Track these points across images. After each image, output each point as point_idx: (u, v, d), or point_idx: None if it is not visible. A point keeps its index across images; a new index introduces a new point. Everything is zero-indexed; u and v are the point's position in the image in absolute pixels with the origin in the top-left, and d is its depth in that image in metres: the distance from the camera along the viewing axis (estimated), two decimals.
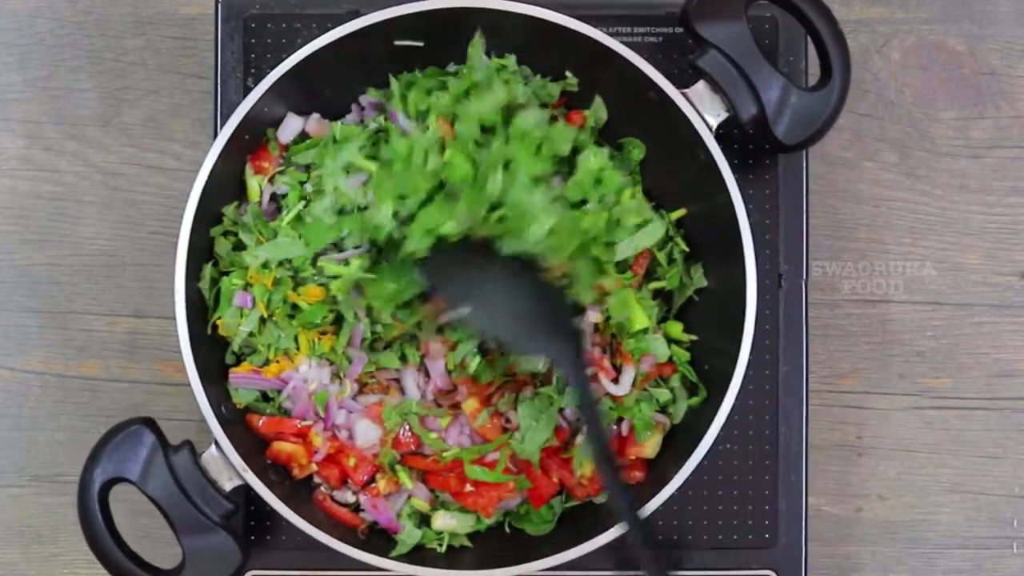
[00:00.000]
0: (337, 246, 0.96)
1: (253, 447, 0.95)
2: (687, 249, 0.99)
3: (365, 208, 0.95)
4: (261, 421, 0.96)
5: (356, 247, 0.95)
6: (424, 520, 0.98)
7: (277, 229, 0.96)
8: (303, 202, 0.97)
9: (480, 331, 0.95)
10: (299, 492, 0.97)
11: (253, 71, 1.02)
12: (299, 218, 0.96)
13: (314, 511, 0.97)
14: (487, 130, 0.94)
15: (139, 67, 1.10)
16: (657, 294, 1.00)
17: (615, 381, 0.97)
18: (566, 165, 0.97)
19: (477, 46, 0.96)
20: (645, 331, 0.97)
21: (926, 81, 1.10)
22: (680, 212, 0.99)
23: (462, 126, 0.93)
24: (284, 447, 0.96)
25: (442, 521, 0.97)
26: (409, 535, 0.96)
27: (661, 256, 0.99)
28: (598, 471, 0.93)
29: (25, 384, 1.09)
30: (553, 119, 0.97)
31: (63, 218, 1.09)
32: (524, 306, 0.94)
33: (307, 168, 0.98)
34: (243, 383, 0.96)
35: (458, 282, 0.93)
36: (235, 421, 0.96)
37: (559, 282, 0.94)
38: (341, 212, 0.95)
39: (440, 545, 0.97)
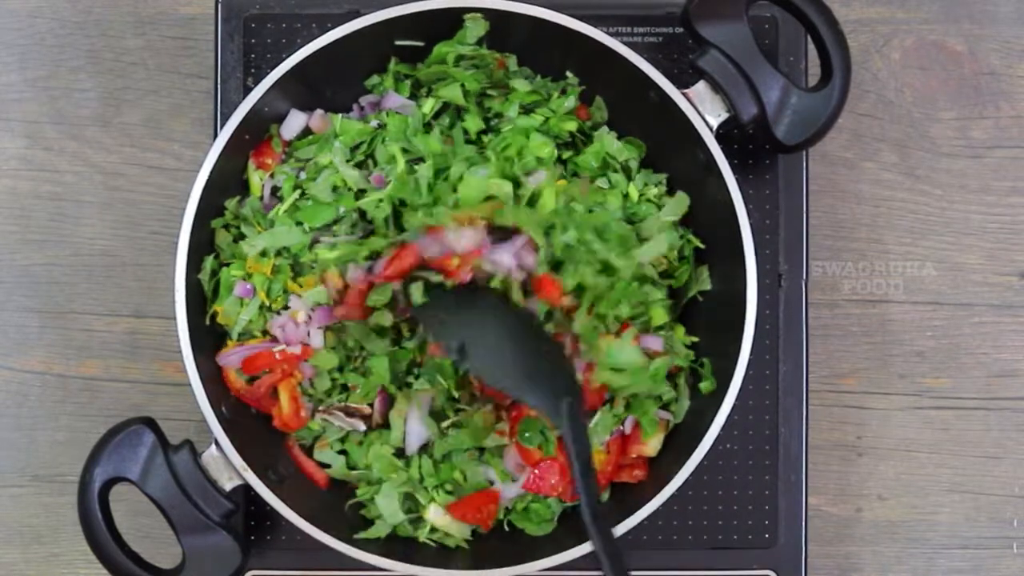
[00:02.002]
0: (331, 232, 0.97)
1: (253, 447, 0.95)
2: (701, 245, 0.99)
3: (362, 191, 0.96)
4: (239, 359, 0.97)
5: (350, 232, 0.96)
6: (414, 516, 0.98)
7: (274, 219, 0.97)
8: (298, 191, 0.97)
9: (476, 374, 0.94)
10: (299, 491, 0.97)
11: (253, 71, 1.02)
12: (296, 207, 0.97)
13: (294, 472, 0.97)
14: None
15: (139, 67, 1.10)
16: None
17: None
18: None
19: (476, 21, 0.95)
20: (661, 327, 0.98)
21: (926, 81, 1.10)
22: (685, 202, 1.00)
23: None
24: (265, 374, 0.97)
25: (434, 514, 0.97)
26: (392, 515, 0.96)
27: (672, 254, 0.99)
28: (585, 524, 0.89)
29: (25, 384, 1.09)
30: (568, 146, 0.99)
31: (63, 218, 1.09)
32: (522, 354, 0.93)
33: (308, 162, 0.99)
34: (232, 359, 0.97)
35: (454, 326, 0.93)
36: (235, 420, 0.96)
37: (561, 333, 0.94)
38: (335, 190, 0.96)
39: (422, 535, 0.97)
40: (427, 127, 0.98)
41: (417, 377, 0.97)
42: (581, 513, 0.88)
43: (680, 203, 0.99)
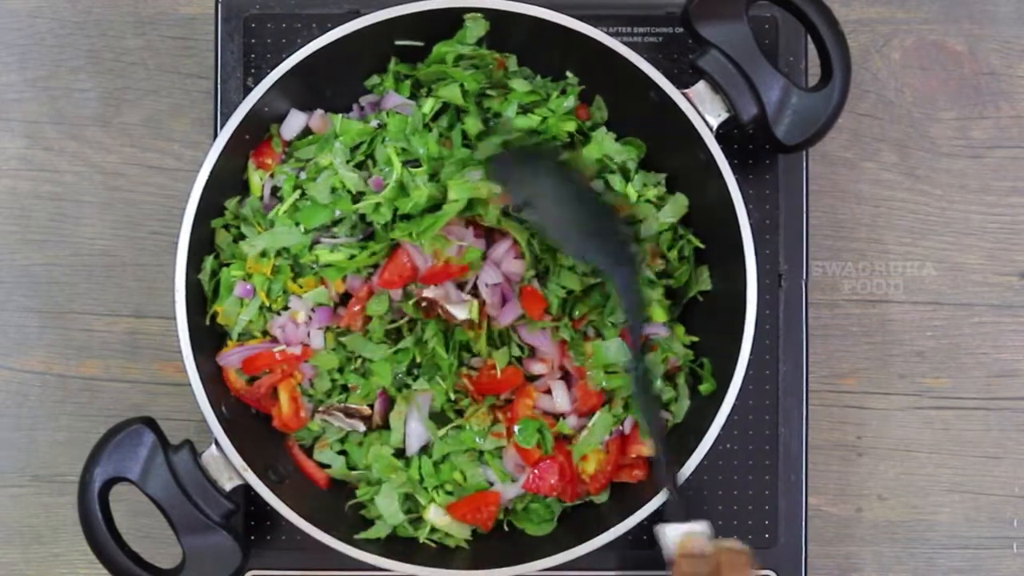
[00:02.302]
0: (331, 233, 0.97)
1: (253, 447, 0.95)
2: (701, 245, 0.99)
3: (361, 194, 0.96)
4: (239, 359, 0.97)
5: (350, 234, 0.96)
6: (414, 516, 0.98)
7: (274, 219, 0.97)
8: (298, 191, 0.97)
9: (541, 226, 0.95)
10: (299, 491, 0.97)
11: (253, 71, 1.02)
12: (296, 208, 0.97)
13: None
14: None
15: (139, 67, 1.10)
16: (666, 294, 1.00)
17: None
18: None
19: (476, 21, 0.95)
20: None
21: (926, 81, 1.10)
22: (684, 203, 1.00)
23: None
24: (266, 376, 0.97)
25: (434, 514, 0.97)
26: (391, 516, 0.96)
27: (672, 254, 0.99)
28: (637, 396, 0.95)
29: (25, 384, 1.09)
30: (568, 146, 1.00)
31: (63, 218, 1.09)
32: (583, 215, 0.95)
33: (308, 162, 0.99)
34: (232, 359, 0.97)
35: (522, 183, 0.95)
36: (235, 420, 0.96)
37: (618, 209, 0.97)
38: (334, 191, 0.96)
39: (422, 535, 0.97)
40: (427, 128, 0.98)
41: (416, 378, 0.97)
42: (633, 378, 0.93)
43: (678, 204, 0.99)
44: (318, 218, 0.96)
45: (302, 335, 0.97)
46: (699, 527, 0.90)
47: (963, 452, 1.09)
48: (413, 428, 0.98)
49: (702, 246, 0.99)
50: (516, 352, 0.97)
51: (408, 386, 0.97)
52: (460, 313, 0.96)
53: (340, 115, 0.99)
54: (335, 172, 0.97)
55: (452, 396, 0.97)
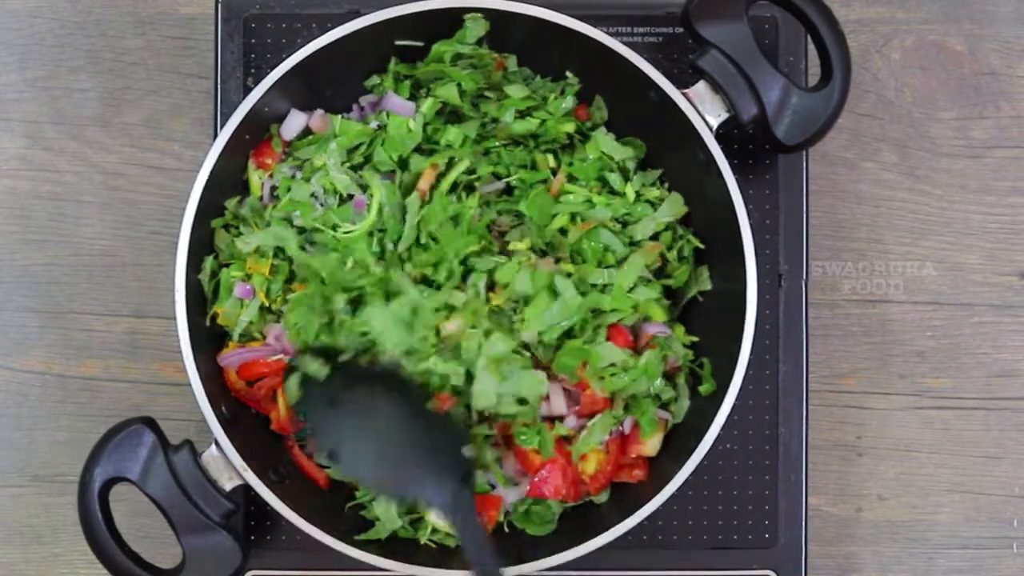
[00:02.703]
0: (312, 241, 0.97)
1: (253, 447, 0.95)
2: (701, 245, 0.99)
3: (350, 197, 0.96)
4: (240, 360, 0.97)
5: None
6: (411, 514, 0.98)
7: (270, 219, 0.97)
8: (291, 194, 0.97)
9: (350, 479, 0.94)
10: (299, 491, 0.97)
11: (253, 71, 1.02)
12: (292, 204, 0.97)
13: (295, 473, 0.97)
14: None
15: (139, 67, 1.10)
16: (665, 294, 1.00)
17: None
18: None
19: (476, 21, 0.95)
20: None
21: (926, 81, 1.10)
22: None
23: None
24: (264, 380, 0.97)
25: (435, 515, 0.97)
26: (389, 520, 0.96)
27: (671, 255, 0.99)
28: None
29: (25, 384, 1.09)
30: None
31: (63, 218, 1.09)
32: (402, 438, 0.91)
33: (305, 162, 0.99)
34: (233, 361, 0.97)
35: (331, 423, 0.91)
36: (235, 420, 0.96)
37: (445, 410, 0.93)
38: (325, 192, 0.96)
39: (423, 537, 0.97)
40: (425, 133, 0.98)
41: None
42: None
43: (675, 203, 0.99)
44: (291, 209, 0.96)
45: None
46: None
47: (963, 452, 1.09)
48: None
49: (701, 246, 0.99)
50: None
51: None
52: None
53: (340, 116, 0.99)
54: (326, 173, 0.96)
55: None
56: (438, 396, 0.93)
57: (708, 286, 0.98)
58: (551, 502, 0.98)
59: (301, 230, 0.97)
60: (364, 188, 0.97)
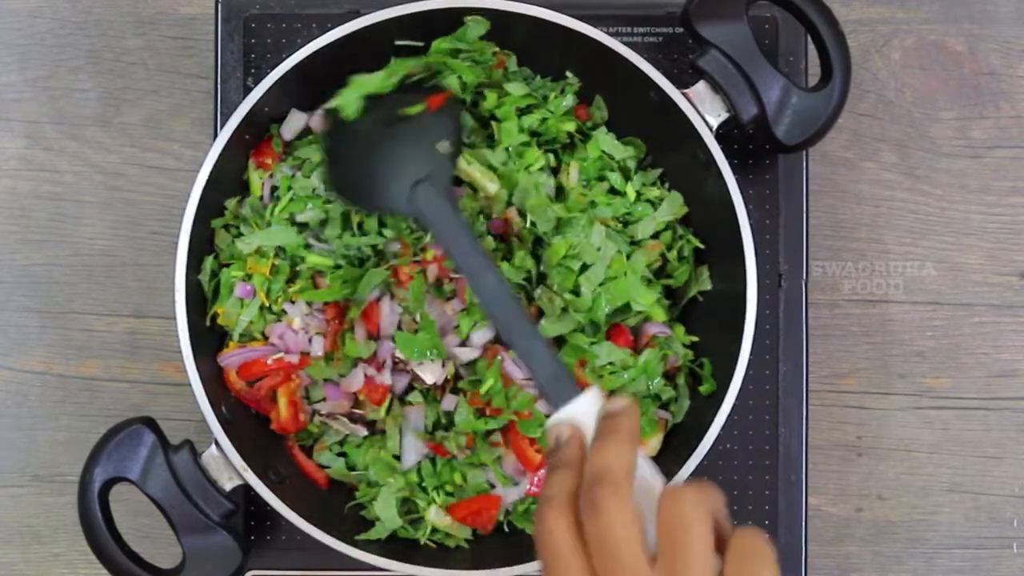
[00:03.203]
0: (321, 238, 0.97)
1: (253, 447, 0.95)
2: (701, 245, 0.99)
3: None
4: (240, 360, 0.97)
5: (339, 234, 0.96)
6: (412, 515, 0.98)
7: (270, 219, 0.97)
8: (292, 191, 0.97)
9: (331, 188, 0.91)
10: (299, 491, 0.97)
11: (253, 71, 1.02)
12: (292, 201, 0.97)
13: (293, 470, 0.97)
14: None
15: (139, 67, 1.10)
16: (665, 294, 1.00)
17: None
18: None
19: (477, 22, 0.95)
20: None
21: (926, 81, 1.10)
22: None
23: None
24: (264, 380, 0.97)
25: (435, 515, 0.97)
26: (389, 520, 0.96)
27: (671, 255, 0.99)
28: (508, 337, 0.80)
29: (25, 384, 1.09)
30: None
31: (63, 218, 1.09)
32: (373, 149, 0.86)
33: (305, 161, 0.99)
34: (233, 361, 0.97)
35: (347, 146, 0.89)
36: (235, 420, 0.96)
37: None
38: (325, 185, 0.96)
39: (422, 537, 0.97)
40: None
41: (410, 391, 0.97)
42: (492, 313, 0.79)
43: (675, 203, 0.99)
44: (296, 208, 0.96)
45: (302, 343, 0.96)
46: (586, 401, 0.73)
47: (963, 452, 1.09)
48: (409, 442, 0.97)
49: (702, 246, 0.99)
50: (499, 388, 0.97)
51: (402, 399, 0.97)
52: (429, 377, 0.96)
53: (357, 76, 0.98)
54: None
55: (443, 419, 0.97)
56: (430, 98, 0.90)
57: (708, 286, 0.98)
58: None
59: (302, 229, 0.97)
60: None
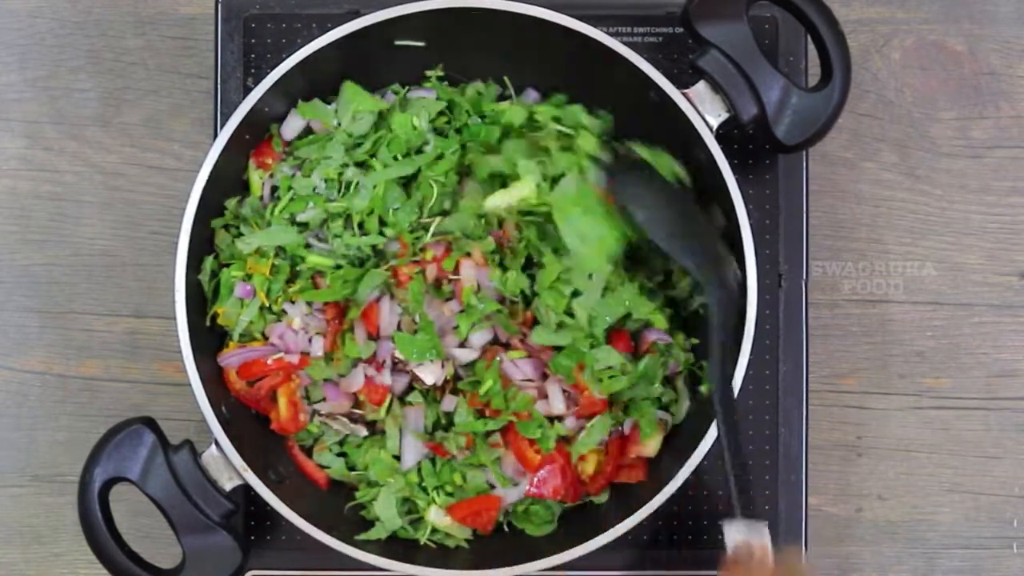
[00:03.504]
0: (321, 238, 0.97)
1: (253, 447, 0.95)
2: None
3: (349, 185, 0.96)
4: (240, 360, 0.97)
5: (340, 233, 0.96)
6: (412, 515, 0.98)
7: (271, 219, 0.97)
8: (292, 190, 0.97)
9: (643, 225, 0.94)
10: (299, 491, 0.97)
11: (253, 71, 1.02)
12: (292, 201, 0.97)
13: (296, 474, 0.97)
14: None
15: (139, 67, 1.10)
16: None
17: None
18: None
19: None
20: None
21: (926, 81, 1.10)
22: None
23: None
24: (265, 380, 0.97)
25: (435, 516, 0.97)
26: (389, 520, 0.96)
27: (675, 267, 0.99)
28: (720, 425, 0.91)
29: (25, 384, 1.09)
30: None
31: (63, 218, 1.09)
32: (680, 218, 0.94)
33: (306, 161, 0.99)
34: (233, 361, 0.97)
35: (626, 186, 0.94)
36: (235, 420, 0.96)
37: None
38: (327, 182, 0.96)
39: (422, 537, 0.97)
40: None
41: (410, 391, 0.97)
42: (711, 390, 0.91)
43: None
44: (297, 208, 0.96)
45: (302, 343, 0.96)
46: (758, 532, 0.89)
47: (963, 452, 1.09)
48: (409, 442, 0.97)
49: None
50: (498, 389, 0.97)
51: (402, 400, 0.98)
52: (429, 377, 0.96)
53: (351, 82, 0.98)
54: (328, 165, 0.96)
55: (443, 420, 0.98)
56: None
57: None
58: (551, 502, 0.98)
59: (303, 229, 0.97)
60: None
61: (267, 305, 0.97)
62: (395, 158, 0.97)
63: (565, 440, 0.97)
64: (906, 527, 1.08)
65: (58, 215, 1.09)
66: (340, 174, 0.96)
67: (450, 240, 0.97)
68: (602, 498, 0.99)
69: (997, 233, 1.09)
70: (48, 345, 1.09)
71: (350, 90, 0.98)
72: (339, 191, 0.96)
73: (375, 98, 0.98)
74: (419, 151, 0.98)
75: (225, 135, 0.93)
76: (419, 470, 0.98)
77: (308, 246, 0.97)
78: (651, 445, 0.98)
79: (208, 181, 0.93)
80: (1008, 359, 1.09)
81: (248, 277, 0.97)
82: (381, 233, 0.96)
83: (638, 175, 0.95)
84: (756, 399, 1.01)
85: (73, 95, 1.10)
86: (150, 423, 0.93)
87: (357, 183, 0.96)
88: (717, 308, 0.92)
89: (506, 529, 1.00)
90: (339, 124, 0.98)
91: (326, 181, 0.96)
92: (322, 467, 0.99)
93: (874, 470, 1.08)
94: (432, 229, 0.96)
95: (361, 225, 0.96)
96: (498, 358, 0.96)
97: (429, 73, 1.00)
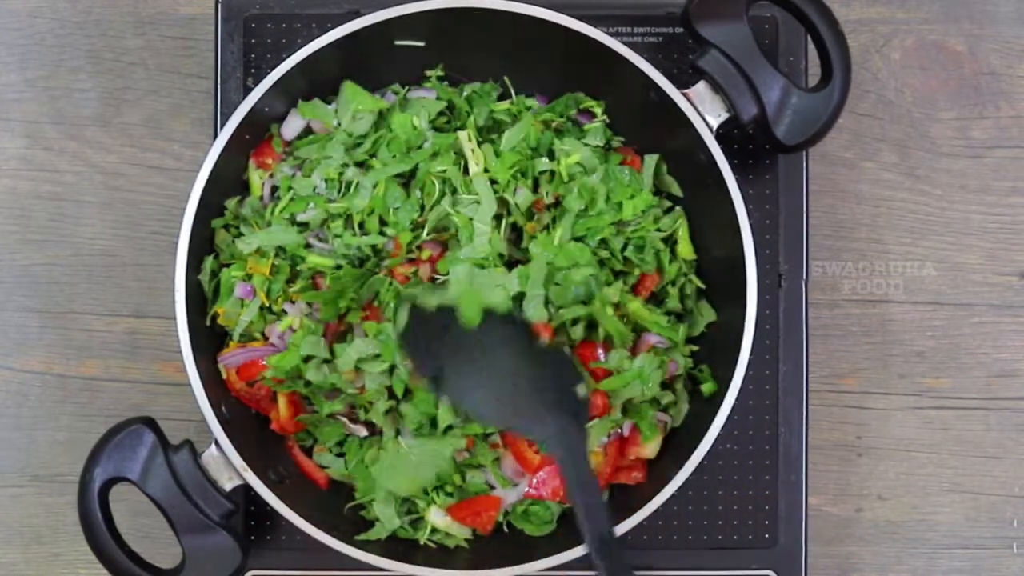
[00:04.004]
0: (321, 238, 0.97)
1: (253, 447, 0.95)
2: (702, 286, 0.99)
3: (349, 185, 0.96)
4: (240, 360, 0.96)
5: (341, 232, 0.96)
6: (411, 515, 0.98)
7: (271, 219, 0.97)
8: (292, 190, 0.97)
9: (455, 405, 0.91)
10: (299, 491, 0.97)
11: (253, 71, 1.02)
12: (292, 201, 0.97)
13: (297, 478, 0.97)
14: None
15: (139, 67, 1.10)
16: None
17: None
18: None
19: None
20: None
21: (926, 81, 1.10)
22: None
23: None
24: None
25: (435, 516, 0.97)
26: (389, 521, 0.96)
27: (673, 291, 0.99)
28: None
29: (25, 384, 1.09)
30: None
31: (63, 218, 1.09)
32: (512, 376, 0.89)
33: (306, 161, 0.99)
34: (233, 361, 0.97)
35: (435, 350, 0.90)
36: (235, 420, 0.96)
37: (559, 346, 0.92)
38: (327, 182, 0.96)
39: (422, 537, 0.97)
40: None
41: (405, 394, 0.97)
42: (587, 548, 0.82)
43: (675, 218, 0.99)
44: (297, 208, 0.96)
45: None
46: None
47: (963, 452, 1.09)
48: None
49: (703, 286, 0.99)
50: None
51: (397, 400, 0.97)
52: None
53: (350, 82, 0.98)
54: (328, 164, 0.96)
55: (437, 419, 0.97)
56: (543, 328, 0.91)
57: (713, 317, 0.98)
58: (550, 503, 0.98)
59: (303, 229, 0.97)
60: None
61: (267, 305, 0.97)
62: (394, 157, 0.97)
63: None
64: (906, 527, 1.08)
65: (58, 215, 1.09)
66: (340, 174, 0.96)
67: (446, 239, 0.97)
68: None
69: (997, 233, 1.09)
70: (48, 345, 1.09)
71: (350, 90, 0.98)
72: (339, 191, 0.96)
73: (375, 97, 0.98)
74: (419, 149, 0.98)
75: (225, 135, 0.93)
76: None
77: (308, 246, 0.97)
78: (650, 447, 0.98)
79: (208, 181, 0.93)
80: (1008, 359, 1.09)
81: (248, 277, 0.97)
82: (382, 233, 0.96)
83: (449, 337, 0.89)
84: (756, 399, 1.01)
85: (73, 95, 1.10)
86: (150, 423, 0.93)
87: (357, 183, 0.96)
88: (568, 471, 0.85)
89: (505, 529, 1.00)
90: (339, 124, 0.98)
91: (326, 181, 0.96)
92: (322, 467, 0.99)
93: (874, 470, 1.08)
94: (428, 227, 0.96)
95: (362, 225, 0.96)
96: None
97: (429, 73, 1.00)
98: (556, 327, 0.94)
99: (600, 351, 0.96)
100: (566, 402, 0.88)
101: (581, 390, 0.89)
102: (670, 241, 0.99)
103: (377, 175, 0.96)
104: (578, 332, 0.95)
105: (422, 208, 0.96)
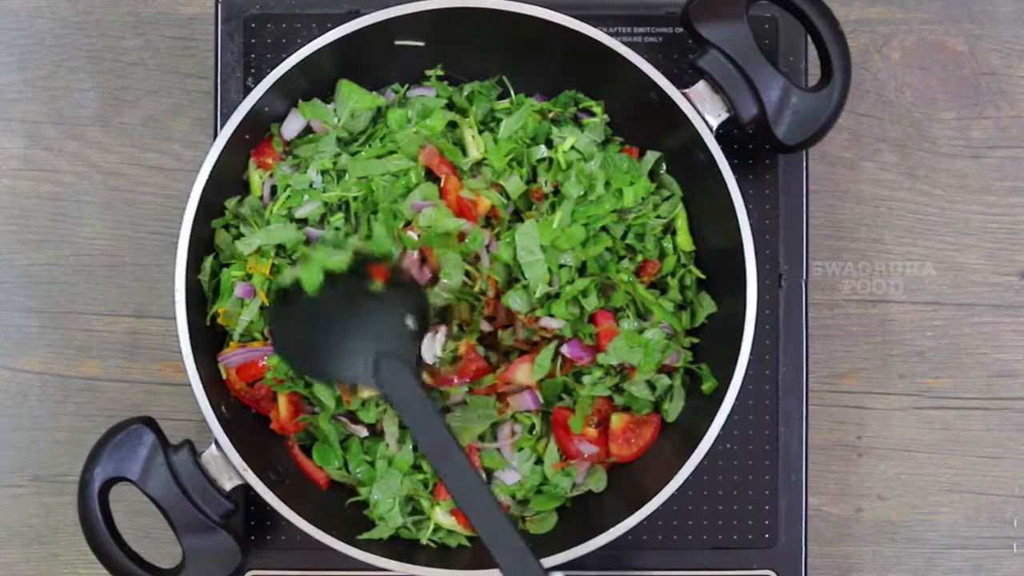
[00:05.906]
0: (320, 234, 0.97)
1: (253, 447, 0.95)
2: (702, 276, 0.99)
3: (343, 173, 0.96)
4: (240, 360, 0.97)
5: (342, 222, 0.96)
6: (415, 514, 0.98)
7: (270, 218, 0.97)
8: (290, 188, 0.97)
9: (307, 375, 0.91)
10: (299, 491, 0.97)
11: (253, 71, 1.02)
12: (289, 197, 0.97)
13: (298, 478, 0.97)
14: None
15: (139, 67, 1.10)
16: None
17: None
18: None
19: None
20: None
21: (926, 81, 1.10)
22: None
23: None
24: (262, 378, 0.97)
25: (440, 515, 0.97)
26: (391, 520, 0.96)
27: (673, 282, 0.99)
28: (470, 519, 0.82)
29: (25, 384, 1.09)
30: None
31: (63, 218, 1.09)
32: (342, 327, 0.87)
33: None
34: (233, 360, 0.97)
35: (295, 328, 0.89)
36: (235, 420, 0.96)
37: (397, 285, 0.90)
38: (324, 173, 0.96)
39: (424, 537, 0.97)
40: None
41: None
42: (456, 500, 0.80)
43: (673, 204, 0.99)
44: (294, 203, 0.96)
45: None
46: None
47: (963, 452, 1.09)
48: (409, 443, 0.97)
49: (703, 276, 0.99)
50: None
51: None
52: (427, 377, 0.95)
53: (346, 80, 0.98)
54: (323, 157, 0.96)
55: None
56: (374, 269, 0.90)
57: (714, 308, 0.98)
58: (551, 488, 0.97)
59: (301, 225, 0.97)
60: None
61: (267, 305, 0.97)
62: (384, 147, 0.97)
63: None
64: (906, 527, 1.08)
65: (58, 215, 1.09)
66: (334, 163, 0.97)
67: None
68: (600, 485, 0.98)
69: (997, 233, 1.09)
70: (48, 345, 1.09)
71: (346, 87, 0.98)
72: (335, 181, 0.96)
73: (372, 94, 0.98)
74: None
75: (225, 135, 0.93)
76: (421, 469, 0.98)
77: (308, 242, 0.97)
78: (621, 422, 0.98)
79: (208, 181, 0.93)
80: (1008, 359, 1.09)
81: (248, 277, 0.97)
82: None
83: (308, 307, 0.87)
84: (756, 399, 1.01)
85: (73, 95, 1.10)
86: (150, 423, 0.93)
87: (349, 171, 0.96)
88: (403, 410, 0.84)
89: None
90: (338, 122, 0.98)
91: (322, 174, 0.96)
92: (322, 467, 0.99)
93: (874, 470, 1.08)
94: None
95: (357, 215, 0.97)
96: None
97: (429, 73, 1.00)
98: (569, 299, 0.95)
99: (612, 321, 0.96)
100: (395, 340, 0.87)
101: (410, 322, 0.88)
102: (669, 230, 0.99)
103: (367, 158, 0.96)
104: (592, 302, 0.95)
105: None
